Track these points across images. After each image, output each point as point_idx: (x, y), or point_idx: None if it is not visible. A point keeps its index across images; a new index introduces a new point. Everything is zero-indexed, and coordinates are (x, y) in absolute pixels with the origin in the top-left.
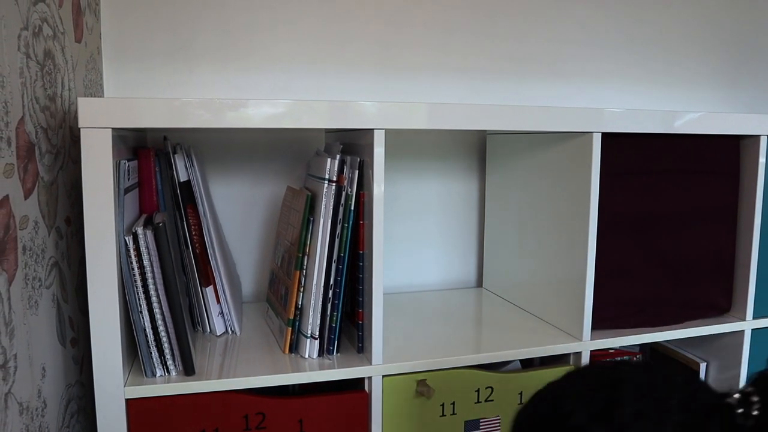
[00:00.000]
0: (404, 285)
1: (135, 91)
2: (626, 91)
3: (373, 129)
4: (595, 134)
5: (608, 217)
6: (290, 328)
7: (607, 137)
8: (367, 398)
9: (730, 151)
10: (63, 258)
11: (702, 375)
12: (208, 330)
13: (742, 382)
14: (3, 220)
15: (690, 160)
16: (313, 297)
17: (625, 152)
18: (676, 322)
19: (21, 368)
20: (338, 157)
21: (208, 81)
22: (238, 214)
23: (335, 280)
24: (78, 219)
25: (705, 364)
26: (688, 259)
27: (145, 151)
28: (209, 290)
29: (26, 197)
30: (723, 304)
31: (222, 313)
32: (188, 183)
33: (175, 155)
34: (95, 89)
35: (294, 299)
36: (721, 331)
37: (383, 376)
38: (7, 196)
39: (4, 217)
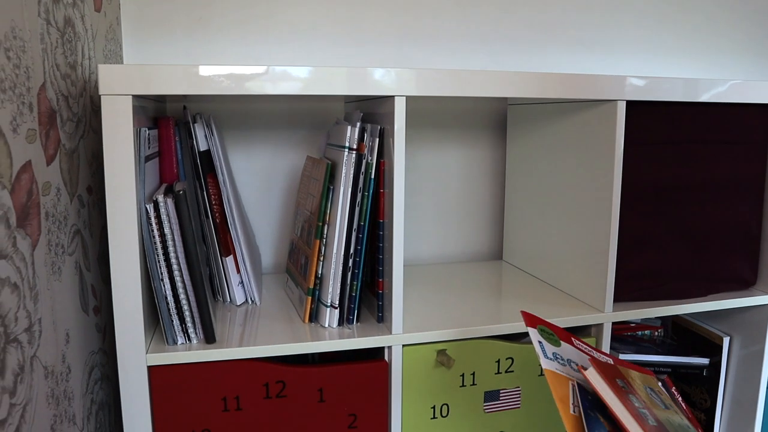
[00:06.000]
0: (424, 256)
1: (154, 62)
2: (651, 60)
3: (393, 96)
4: (619, 102)
5: (632, 187)
6: (310, 297)
7: (631, 105)
8: (387, 368)
9: (757, 120)
10: (85, 226)
11: (725, 349)
12: (228, 300)
13: (766, 357)
14: (26, 185)
15: (716, 129)
16: (333, 266)
17: (649, 121)
18: (699, 295)
19: (45, 332)
20: (358, 125)
21: (228, 51)
22: (257, 185)
23: (355, 249)
24: (99, 189)
25: (728, 338)
26: (713, 231)
27: (165, 120)
28: (229, 260)
29: (48, 163)
30: (748, 278)
31: (242, 282)
32: (208, 152)
33: (195, 124)
34: (115, 59)
35: (314, 268)
36: (746, 305)
37: (403, 345)
38: (30, 161)
39: (27, 182)
